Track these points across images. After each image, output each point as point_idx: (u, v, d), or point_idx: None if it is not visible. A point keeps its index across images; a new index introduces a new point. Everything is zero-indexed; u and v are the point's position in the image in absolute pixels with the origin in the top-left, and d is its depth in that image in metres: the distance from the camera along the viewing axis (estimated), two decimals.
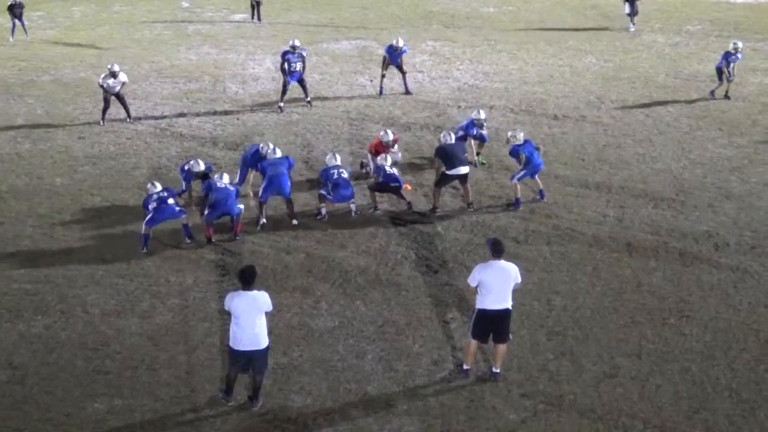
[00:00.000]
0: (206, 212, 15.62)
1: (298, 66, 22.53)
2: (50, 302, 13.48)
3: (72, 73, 26.92)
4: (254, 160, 16.85)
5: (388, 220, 16.28)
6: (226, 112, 22.81)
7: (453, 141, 16.79)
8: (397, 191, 16.62)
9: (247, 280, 10.55)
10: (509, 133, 17.45)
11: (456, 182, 16.70)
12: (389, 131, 17.75)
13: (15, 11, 31.36)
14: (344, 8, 36.95)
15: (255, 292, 10.54)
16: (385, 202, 16.92)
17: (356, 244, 15.29)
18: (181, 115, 22.61)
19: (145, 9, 37.54)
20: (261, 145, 17.12)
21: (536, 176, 16.91)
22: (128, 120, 21.91)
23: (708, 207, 16.57)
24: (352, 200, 16.41)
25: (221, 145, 20.15)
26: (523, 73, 26.30)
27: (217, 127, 21.47)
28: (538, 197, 16.88)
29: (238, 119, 22.26)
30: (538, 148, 17.08)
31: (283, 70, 22.64)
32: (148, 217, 15.18)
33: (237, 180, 16.81)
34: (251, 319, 10.45)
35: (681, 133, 20.71)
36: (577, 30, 31.95)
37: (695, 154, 19.37)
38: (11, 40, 31.38)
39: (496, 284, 11.09)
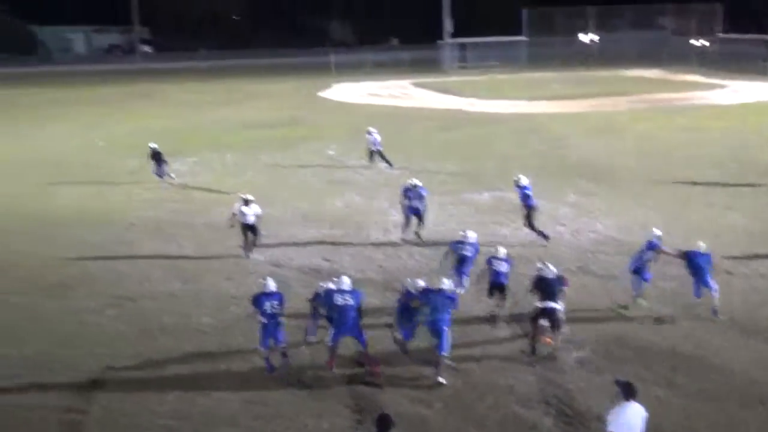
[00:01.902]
0: (331, 333, 15.96)
1: (416, 203, 24.45)
2: None
3: (222, 215, 28.09)
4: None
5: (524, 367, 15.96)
6: (368, 258, 23.25)
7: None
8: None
9: (384, 428, 10.50)
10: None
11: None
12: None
13: (156, 158, 33.25)
14: (484, 159, 37.64)
15: None
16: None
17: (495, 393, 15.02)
18: (325, 260, 23.18)
19: (292, 156, 39.30)
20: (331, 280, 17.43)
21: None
22: (248, 253, 23.15)
23: None
24: None
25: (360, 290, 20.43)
26: (669, 227, 25.79)
27: (358, 272, 21.80)
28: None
29: (380, 266, 22.62)
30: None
31: (402, 205, 24.79)
32: (260, 338, 15.93)
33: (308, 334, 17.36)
34: None
35: None
36: (724, 186, 31.35)
37: None
38: (165, 182, 33.22)
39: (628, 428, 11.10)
